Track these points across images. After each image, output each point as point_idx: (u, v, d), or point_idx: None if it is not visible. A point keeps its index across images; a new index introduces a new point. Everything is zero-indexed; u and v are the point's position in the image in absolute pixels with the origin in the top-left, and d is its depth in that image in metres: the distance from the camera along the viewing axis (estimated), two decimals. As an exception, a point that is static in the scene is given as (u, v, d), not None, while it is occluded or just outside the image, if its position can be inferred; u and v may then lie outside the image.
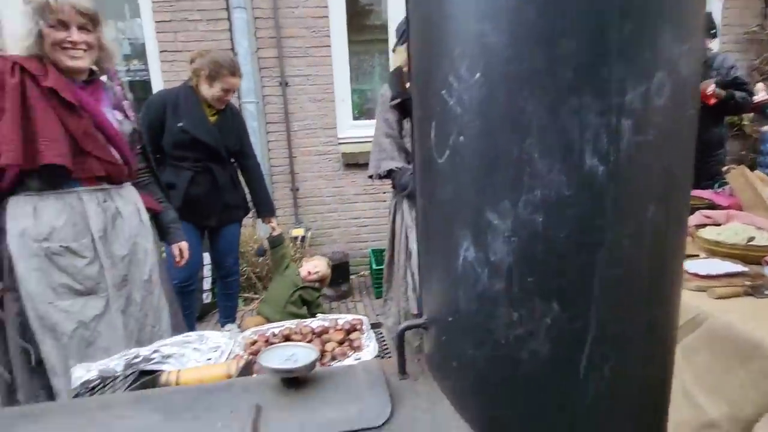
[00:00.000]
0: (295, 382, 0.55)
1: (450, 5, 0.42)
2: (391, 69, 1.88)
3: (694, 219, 1.62)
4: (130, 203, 1.43)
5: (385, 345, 1.02)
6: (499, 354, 0.45)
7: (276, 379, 0.56)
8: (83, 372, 0.87)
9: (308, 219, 3.28)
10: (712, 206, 1.82)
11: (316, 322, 1.09)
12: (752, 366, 0.96)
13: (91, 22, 1.27)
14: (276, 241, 2.40)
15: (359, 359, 0.95)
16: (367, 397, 0.53)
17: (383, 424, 0.50)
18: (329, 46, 3.09)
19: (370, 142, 3.13)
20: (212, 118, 2.02)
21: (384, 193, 3.26)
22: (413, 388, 0.56)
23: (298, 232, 3.16)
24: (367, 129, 3.23)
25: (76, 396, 0.86)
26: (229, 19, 2.94)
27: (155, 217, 1.57)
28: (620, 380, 0.43)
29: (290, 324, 1.09)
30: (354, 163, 3.18)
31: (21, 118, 1.18)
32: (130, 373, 0.92)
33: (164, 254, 1.68)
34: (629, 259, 0.40)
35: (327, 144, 3.21)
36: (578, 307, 0.41)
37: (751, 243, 1.33)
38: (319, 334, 1.03)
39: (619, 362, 0.42)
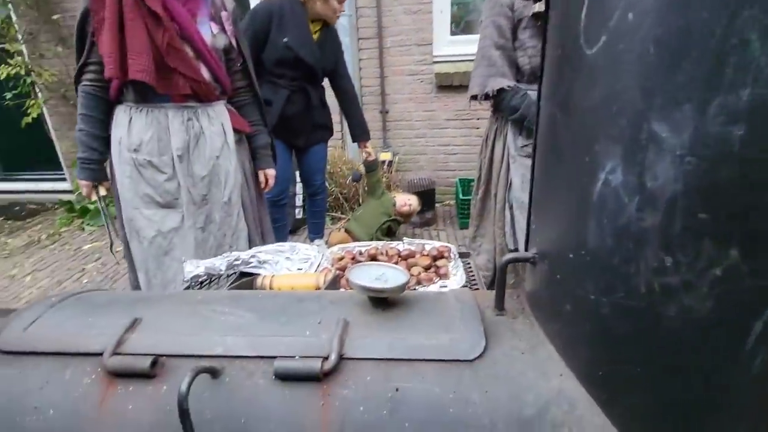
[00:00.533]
0: (383, 302, 0.53)
1: None
2: None
3: None
4: (216, 123, 1.40)
5: (473, 276, 0.97)
6: (634, 304, 0.36)
7: (364, 296, 0.54)
8: (192, 267, 0.96)
9: (396, 143, 3.21)
10: None
11: (402, 245, 1.07)
12: None
13: None
14: (371, 166, 2.40)
15: (445, 287, 0.91)
16: (460, 328, 0.49)
17: (475, 358, 0.46)
18: (430, -54, 2.75)
19: (466, 61, 2.89)
20: (315, 36, 1.95)
21: (478, 119, 3.03)
22: (511, 326, 0.50)
23: (386, 156, 3.13)
24: (465, 45, 2.94)
25: (187, 288, 0.96)
26: None
27: (248, 137, 1.55)
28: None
29: (377, 244, 1.08)
30: (448, 84, 2.95)
31: (117, 28, 1.18)
32: (231, 273, 1.00)
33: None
34: None
35: (420, 63, 3.00)
36: (762, 262, 0.30)
37: None
38: (405, 258, 1.01)
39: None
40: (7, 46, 3.22)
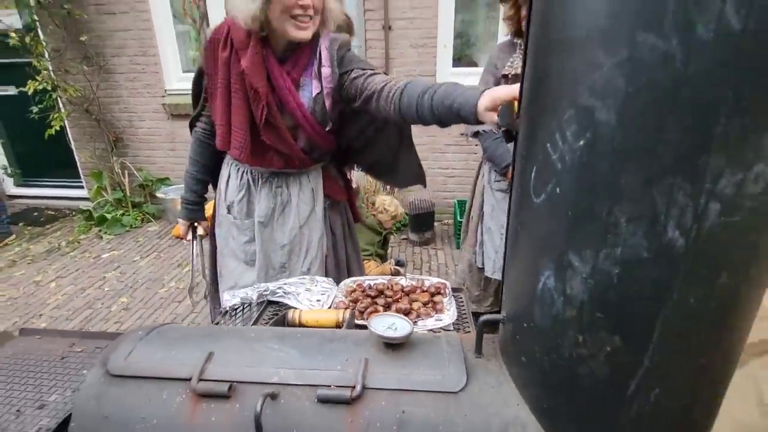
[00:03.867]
0: (393, 345, 0.72)
1: (562, 75, 0.47)
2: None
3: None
4: (306, 190, 1.39)
5: (464, 311, 1.15)
6: (562, 363, 0.55)
7: (380, 340, 0.72)
8: (230, 297, 1.15)
9: (399, 165, 3.41)
10: None
11: (405, 281, 1.25)
12: None
13: None
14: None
15: (441, 320, 1.10)
16: (449, 367, 0.68)
17: (459, 390, 0.64)
18: (436, -14, 2.96)
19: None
20: None
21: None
22: (486, 366, 0.69)
23: (389, 177, 3.33)
24: (465, 77, 3.15)
25: (225, 314, 1.15)
26: (338, -42, 2.93)
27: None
28: (662, 409, 0.51)
29: (383, 279, 1.27)
30: (449, 113, 3.15)
31: (227, 100, 1.21)
32: (261, 301, 1.19)
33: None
34: (694, 316, 0.47)
35: (424, 92, 3.21)
36: (637, 345, 0.49)
37: None
38: (408, 293, 1.20)
39: (665, 394, 0.50)
40: (34, 62, 3.42)
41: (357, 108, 1.22)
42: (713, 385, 0.53)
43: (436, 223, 3.31)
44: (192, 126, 1.43)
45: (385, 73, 1.21)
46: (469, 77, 3.15)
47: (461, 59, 3.34)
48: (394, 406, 0.63)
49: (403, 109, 1.07)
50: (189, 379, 0.67)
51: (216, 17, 3.48)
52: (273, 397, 0.65)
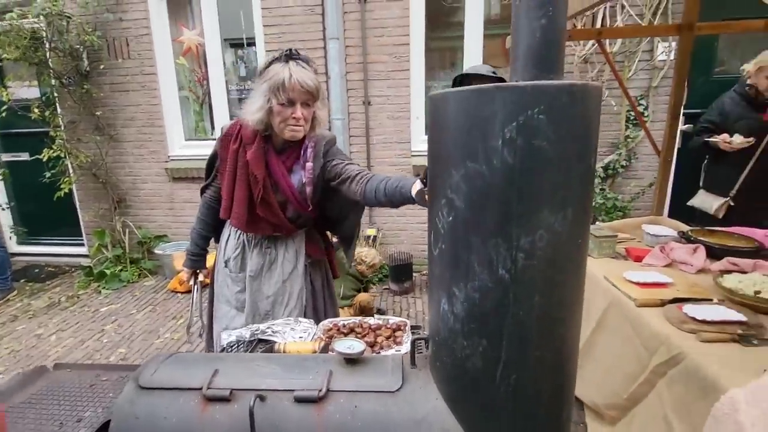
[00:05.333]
0: (352, 361, 0.98)
1: (436, 176, 0.79)
2: None
3: (719, 265, 1.75)
4: (291, 250, 1.67)
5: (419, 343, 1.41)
6: (456, 362, 0.82)
7: (341, 357, 0.99)
8: (227, 336, 1.40)
9: (380, 221, 3.75)
10: (758, 250, 1.90)
11: (372, 321, 1.52)
12: (711, 403, 1.19)
13: (312, 97, 1.41)
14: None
15: (399, 350, 1.35)
16: (390, 375, 0.94)
17: (396, 390, 0.90)
18: (408, 69, 3.47)
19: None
20: None
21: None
22: (417, 374, 0.96)
23: (371, 231, 3.65)
24: (437, 143, 3.60)
25: (222, 350, 1.39)
26: (324, 47, 3.46)
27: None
28: (520, 389, 0.79)
29: (355, 319, 1.53)
30: (423, 174, 3.56)
31: (233, 180, 1.54)
32: (252, 339, 1.43)
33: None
34: (524, 323, 0.75)
35: (401, 156, 3.62)
36: (495, 345, 0.77)
37: (759, 295, 1.48)
38: (374, 330, 1.46)
39: (519, 379, 0.78)
40: (51, 132, 3.80)
41: (334, 186, 1.55)
42: (551, 372, 0.80)
43: (414, 274, 3.59)
44: (202, 192, 1.77)
45: (357, 164, 1.55)
46: (440, 143, 3.60)
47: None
48: (349, 403, 0.89)
49: (367, 193, 1.37)
50: (200, 388, 0.92)
51: (216, 92, 3.94)
52: (262, 398, 0.90)
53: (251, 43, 3.76)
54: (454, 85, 2.12)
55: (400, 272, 3.39)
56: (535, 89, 0.66)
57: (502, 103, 0.68)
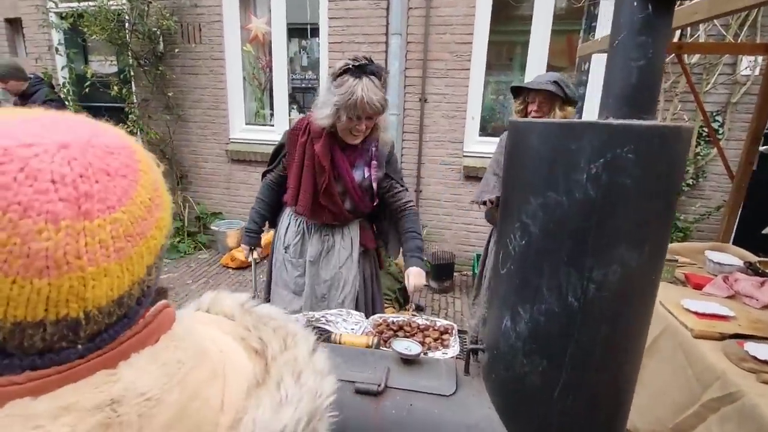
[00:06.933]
0: (408, 361, 1.04)
1: (512, 199, 0.83)
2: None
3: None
4: (347, 239, 1.78)
5: (465, 348, 1.46)
6: (514, 377, 0.86)
7: (398, 356, 1.05)
8: (286, 320, 1.51)
9: (426, 218, 3.78)
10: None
11: (421, 320, 1.57)
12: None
13: (377, 114, 1.52)
14: None
15: (446, 354, 1.40)
16: (444, 379, 0.99)
17: (450, 395, 0.96)
18: (468, 69, 3.44)
19: (491, 158, 3.48)
20: None
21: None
22: (470, 382, 1.00)
23: (415, 227, 3.70)
24: (490, 146, 3.56)
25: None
26: (386, 42, 3.50)
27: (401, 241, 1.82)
28: (576, 409, 0.82)
29: (403, 318, 1.60)
30: (474, 176, 3.54)
31: (299, 170, 1.66)
32: (308, 326, 1.53)
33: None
34: (587, 349, 0.78)
35: (452, 155, 3.63)
36: (555, 366, 0.80)
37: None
38: (422, 330, 1.52)
39: (576, 399, 0.81)
40: (126, 108, 4.10)
41: (382, 193, 1.77)
42: (608, 398, 0.82)
43: (455, 274, 3.61)
44: (264, 176, 1.90)
45: (407, 190, 1.81)
46: (493, 145, 3.57)
47: (487, 130, 3.77)
48: (405, 400, 0.95)
49: (398, 226, 1.78)
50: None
51: (278, 79, 4.09)
52: (326, 386, 0.98)
53: (314, 29, 3.85)
54: (512, 91, 2.11)
55: (441, 271, 3.42)
56: (626, 129, 0.68)
57: (591, 140, 0.70)
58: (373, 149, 1.67)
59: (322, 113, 1.53)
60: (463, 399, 0.95)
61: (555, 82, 1.91)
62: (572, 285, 0.76)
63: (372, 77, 1.46)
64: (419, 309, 3.11)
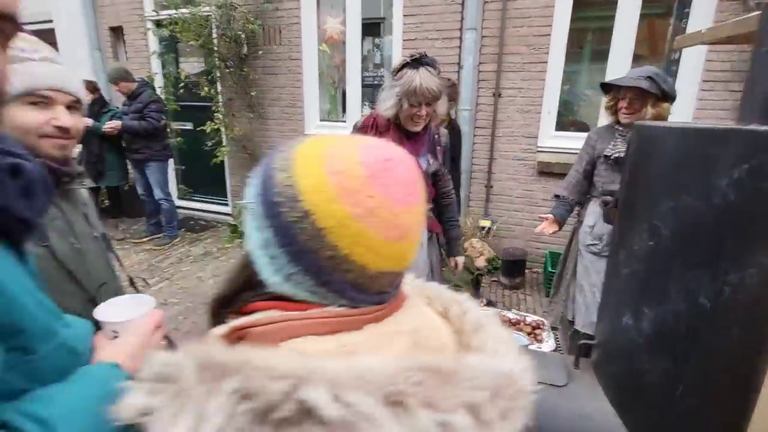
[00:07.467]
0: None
1: (638, 201, 0.86)
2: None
3: None
4: None
5: (559, 344, 1.49)
6: (632, 374, 0.90)
7: (507, 347, 1.12)
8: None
9: (496, 213, 3.77)
10: None
11: (512, 314, 1.62)
12: None
13: (435, 99, 1.64)
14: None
15: (540, 347, 1.44)
16: (556, 371, 1.05)
17: (563, 386, 1.01)
18: (546, 62, 3.36)
19: (567, 153, 3.39)
20: None
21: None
22: (581, 375, 1.05)
23: (485, 223, 3.70)
24: (567, 140, 3.46)
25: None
26: (460, 38, 3.50)
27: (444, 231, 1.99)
28: (698, 410, 0.84)
29: (492, 311, 1.65)
30: (549, 171, 3.47)
31: None
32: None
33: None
34: (716, 352, 0.80)
35: (526, 151, 3.57)
36: (680, 366, 0.83)
37: None
38: (514, 324, 1.56)
39: (699, 401, 0.83)
40: (213, 107, 4.46)
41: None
42: (737, 398, 0.84)
43: (526, 271, 3.57)
44: None
45: (450, 178, 1.96)
46: (570, 140, 3.46)
47: (564, 125, 3.66)
48: (517, 388, 1.02)
49: (441, 212, 1.96)
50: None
51: (351, 77, 4.24)
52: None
53: (388, 26, 3.94)
54: (601, 87, 2.06)
55: (512, 267, 3.41)
56: (775, 136, 0.69)
57: (735, 145, 0.72)
58: (436, 136, 1.82)
59: (386, 105, 1.67)
60: (576, 390, 1.00)
61: (649, 78, 1.84)
62: (704, 287, 0.78)
63: (428, 67, 1.61)
64: (490, 304, 3.12)
